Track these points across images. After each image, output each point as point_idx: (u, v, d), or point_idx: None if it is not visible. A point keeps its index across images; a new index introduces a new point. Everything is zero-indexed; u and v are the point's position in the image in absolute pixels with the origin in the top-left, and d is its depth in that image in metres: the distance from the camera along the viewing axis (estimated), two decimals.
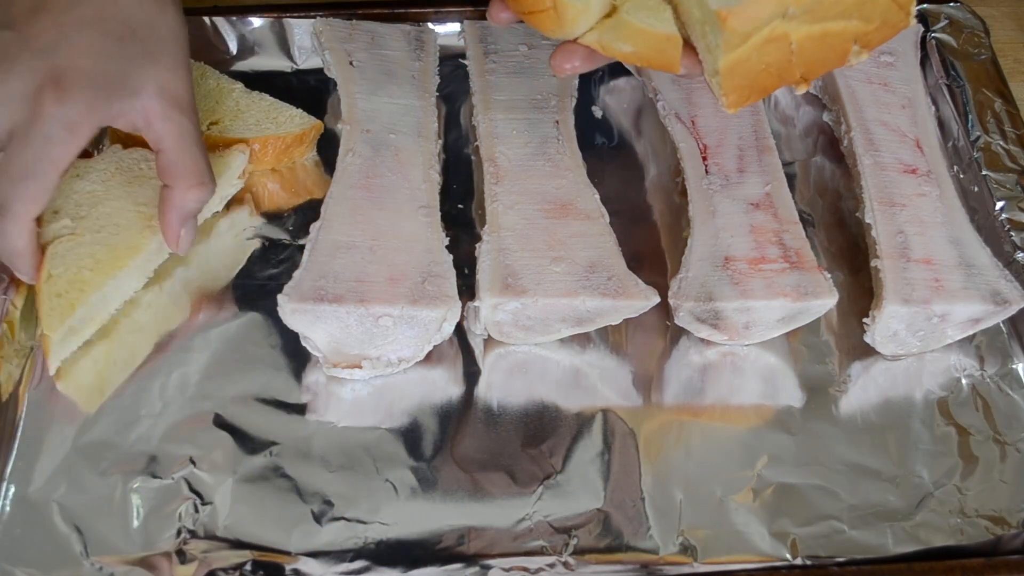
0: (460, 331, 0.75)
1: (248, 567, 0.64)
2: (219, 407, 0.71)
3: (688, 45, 0.63)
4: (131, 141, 0.82)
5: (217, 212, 0.81)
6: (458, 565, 0.65)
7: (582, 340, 0.76)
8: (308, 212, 0.82)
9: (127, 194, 0.77)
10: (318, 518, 0.67)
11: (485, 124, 0.83)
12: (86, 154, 0.77)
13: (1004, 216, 0.81)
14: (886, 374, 0.76)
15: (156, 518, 0.66)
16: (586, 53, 0.65)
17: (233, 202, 0.82)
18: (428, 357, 0.74)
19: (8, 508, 0.66)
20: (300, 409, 0.72)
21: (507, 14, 0.66)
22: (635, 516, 0.67)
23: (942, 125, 0.89)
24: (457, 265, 0.74)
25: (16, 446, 0.69)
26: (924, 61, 0.92)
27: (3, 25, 0.66)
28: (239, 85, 0.87)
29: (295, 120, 0.85)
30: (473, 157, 0.87)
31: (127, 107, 0.67)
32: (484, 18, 0.92)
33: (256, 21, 0.93)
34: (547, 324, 0.74)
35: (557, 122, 0.84)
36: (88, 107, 0.65)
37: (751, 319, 0.74)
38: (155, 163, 0.70)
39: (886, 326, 0.73)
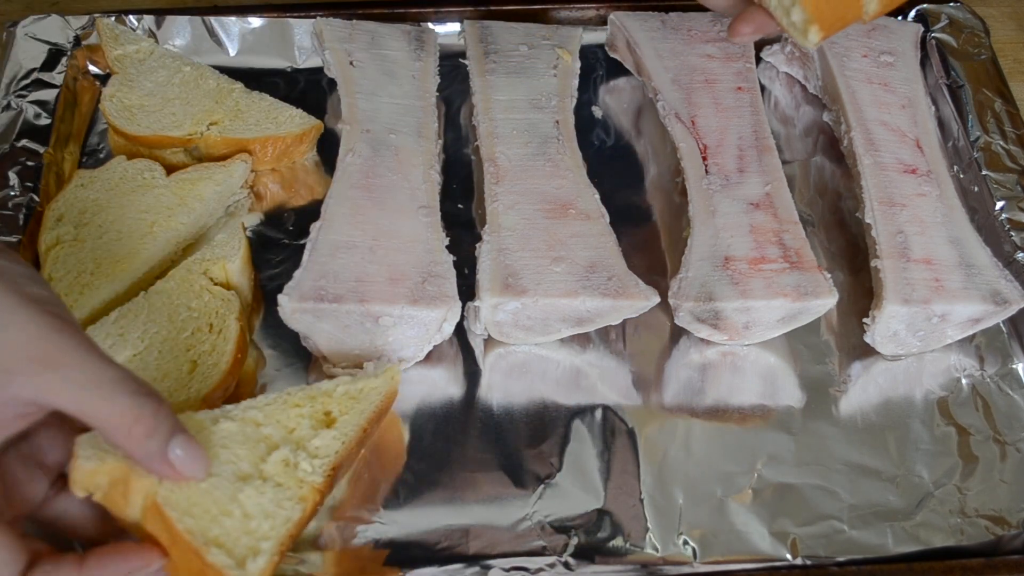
0: (460, 331, 0.75)
1: None
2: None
3: (760, 8, 0.66)
4: (135, 152, 0.82)
5: (220, 217, 0.81)
6: (458, 565, 0.65)
7: (582, 340, 0.76)
8: (308, 212, 0.82)
9: (130, 202, 0.77)
10: (318, 518, 0.67)
11: (485, 124, 0.83)
12: None
13: (1004, 216, 0.81)
14: (886, 374, 0.76)
15: None
16: (763, 19, 0.67)
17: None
18: (428, 357, 0.74)
19: None
20: None
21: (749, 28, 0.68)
22: (635, 516, 0.67)
23: (942, 125, 0.89)
24: (457, 265, 0.74)
25: None
26: (924, 61, 0.92)
27: None
28: (239, 85, 0.87)
29: (295, 120, 0.85)
30: (473, 157, 0.87)
31: (34, 397, 0.51)
32: (484, 18, 0.92)
33: (256, 21, 0.93)
34: (547, 324, 0.74)
35: (557, 122, 0.84)
36: None
37: (751, 319, 0.74)
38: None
39: (886, 326, 0.73)
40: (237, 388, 0.71)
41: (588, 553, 0.66)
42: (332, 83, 0.88)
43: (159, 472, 0.55)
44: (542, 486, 0.69)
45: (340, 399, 0.65)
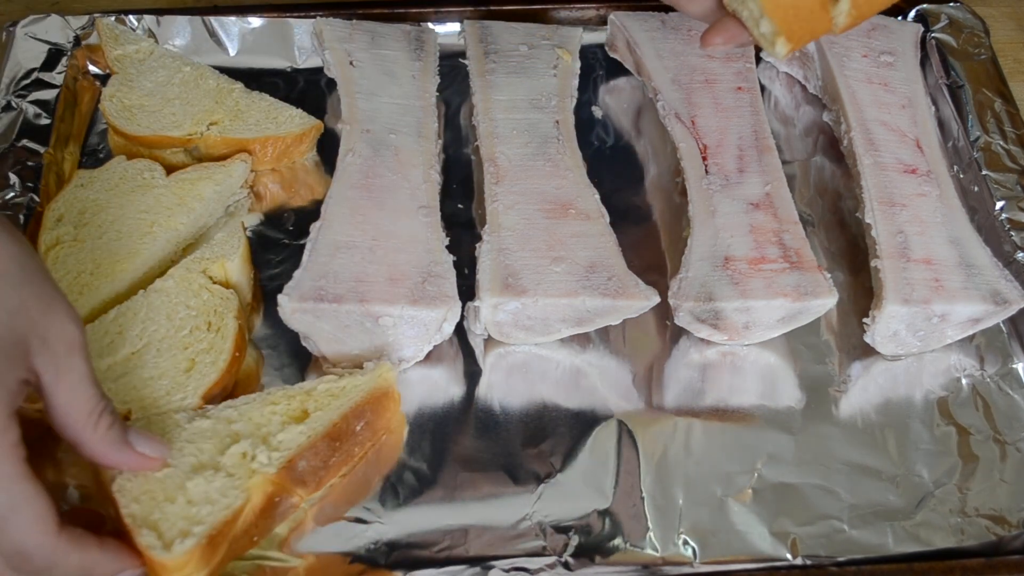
0: (460, 331, 0.75)
1: (249, 568, 0.64)
2: None
3: (734, 18, 0.66)
4: (135, 152, 0.82)
5: (220, 217, 0.81)
6: (458, 565, 0.65)
7: (582, 340, 0.76)
8: (308, 212, 0.82)
9: (129, 202, 0.78)
10: (318, 519, 0.67)
11: (485, 124, 0.83)
12: None
13: (1004, 216, 0.81)
14: (886, 374, 0.76)
15: None
16: (736, 29, 0.67)
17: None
18: (428, 357, 0.74)
19: None
20: None
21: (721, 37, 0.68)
22: (635, 516, 0.67)
23: (942, 125, 0.89)
24: (457, 265, 0.74)
25: None
26: (924, 61, 0.92)
27: None
28: (239, 85, 0.87)
29: (295, 120, 0.85)
30: (473, 157, 0.87)
31: (26, 366, 0.55)
32: (484, 18, 0.92)
33: (256, 21, 0.93)
34: (547, 324, 0.74)
35: (557, 122, 0.84)
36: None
37: (751, 319, 0.74)
38: (50, 419, 0.57)
39: (886, 326, 0.73)
40: (236, 388, 0.71)
41: (588, 553, 0.66)
42: (332, 83, 0.88)
43: (119, 461, 0.59)
44: (542, 486, 0.69)
45: (319, 396, 0.66)
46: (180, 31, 0.92)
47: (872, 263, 0.76)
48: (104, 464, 0.60)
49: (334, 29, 0.89)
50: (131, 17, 0.91)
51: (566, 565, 0.65)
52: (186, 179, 0.80)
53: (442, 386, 0.74)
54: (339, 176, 0.78)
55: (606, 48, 0.95)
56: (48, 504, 0.55)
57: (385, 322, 0.70)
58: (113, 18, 0.91)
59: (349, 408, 0.66)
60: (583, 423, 0.72)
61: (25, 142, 0.82)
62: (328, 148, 0.85)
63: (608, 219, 0.77)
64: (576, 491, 0.68)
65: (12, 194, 0.78)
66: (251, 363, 0.73)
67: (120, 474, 0.60)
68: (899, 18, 0.95)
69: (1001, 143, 0.85)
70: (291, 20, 0.93)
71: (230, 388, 0.70)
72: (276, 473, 0.62)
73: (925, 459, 0.71)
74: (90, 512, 0.65)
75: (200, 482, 0.61)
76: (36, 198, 0.79)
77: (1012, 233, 0.79)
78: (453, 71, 0.91)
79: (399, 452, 0.70)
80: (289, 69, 0.93)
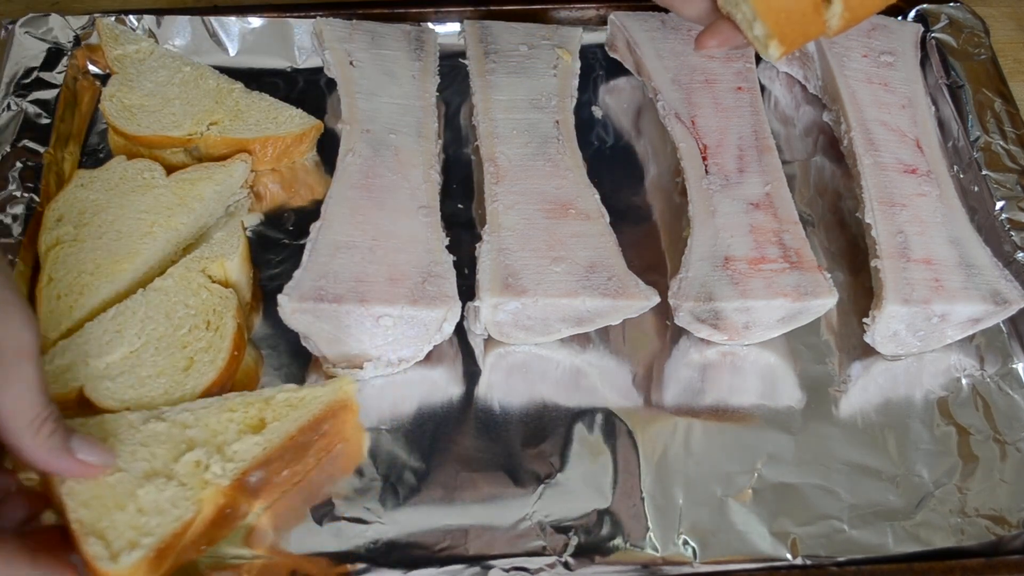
0: (460, 331, 0.75)
1: (249, 568, 0.64)
2: None
3: (728, 21, 0.66)
4: (135, 152, 0.82)
5: (220, 217, 0.81)
6: (458, 565, 0.65)
7: (582, 340, 0.76)
8: (308, 212, 0.82)
9: (129, 203, 0.78)
10: (318, 518, 0.67)
11: (485, 124, 0.83)
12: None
13: (1004, 216, 0.81)
14: (886, 374, 0.76)
15: None
16: (731, 32, 0.67)
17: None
18: (428, 357, 0.74)
19: None
20: None
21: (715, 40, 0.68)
22: (635, 516, 0.67)
23: (942, 125, 0.89)
24: (457, 265, 0.74)
25: None
26: (924, 61, 0.92)
27: None
28: (239, 85, 0.87)
29: (295, 120, 0.85)
30: (473, 157, 0.87)
31: None
32: (484, 18, 0.92)
33: (256, 21, 0.93)
34: (547, 324, 0.74)
35: (557, 122, 0.84)
36: None
37: (751, 319, 0.74)
38: None
39: (886, 326, 0.73)
40: (235, 388, 0.71)
41: (588, 553, 0.66)
42: (332, 83, 0.88)
43: (60, 468, 0.58)
44: (542, 486, 0.69)
45: (278, 406, 0.65)
46: (180, 31, 0.92)
47: (872, 263, 0.76)
48: (45, 471, 0.59)
49: (334, 29, 0.89)
50: (131, 17, 0.91)
51: (566, 565, 0.65)
52: (186, 179, 0.80)
53: (442, 386, 0.74)
54: (339, 176, 0.78)
55: (606, 48, 0.95)
56: None
57: (385, 322, 0.70)
58: (113, 18, 0.91)
59: (307, 420, 0.65)
60: (583, 423, 0.72)
61: (25, 142, 0.82)
62: (328, 148, 0.85)
63: (608, 219, 0.77)
64: (576, 491, 0.68)
65: (12, 194, 0.78)
66: (250, 363, 0.73)
67: (67, 479, 0.59)
68: (899, 18, 0.95)
69: (1001, 143, 0.85)
70: (291, 20, 0.93)
71: (228, 387, 0.70)
72: (229, 485, 0.61)
73: (925, 459, 0.71)
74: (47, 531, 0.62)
75: (151, 490, 0.60)
76: (36, 198, 0.79)
77: (1012, 233, 0.79)
78: (453, 71, 0.91)
79: (358, 461, 0.69)
80: (289, 69, 0.93)
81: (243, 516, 0.65)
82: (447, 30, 0.94)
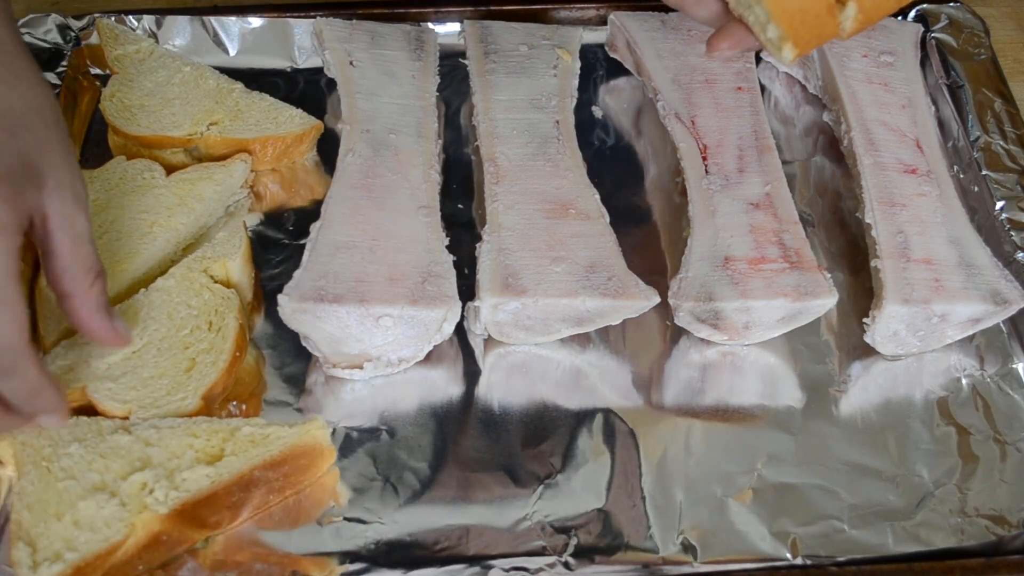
0: (460, 331, 0.75)
1: (249, 568, 0.64)
2: None
3: (740, 23, 0.66)
4: (135, 152, 0.82)
5: (220, 217, 0.81)
6: (458, 565, 0.65)
7: (582, 340, 0.76)
8: (308, 212, 0.82)
9: (130, 202, 0.78)
10: (318, 519, 0.66)
11: (485, 124, 0.83)
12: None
13: (1004, 216, 0.81)
14: (886, 374, 0.76)
15: None
16: (743, 34, 0.67)
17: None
18: (428, 357, 0.74)
19: None
20: (300, 409, 0.72)
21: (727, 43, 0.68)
22: (635, 516, 0.67)
23: (942, 125, 0.89)
24: (457, 265, 0.74)
25: None
26: (924, 61, 0.92)
27: None
28: (239, 85, 0.87)
29: (295, 120, 0.85)
30: (473, 157, 0.87)
31: (37, 201, 0.58)
32: (484, 18, 0.92)
33: (256, 21, 0.93)
34: (547, 324, 0.74)
35: (557, 122, 0.84)
36: (7, 203, 0.56)
37: (751, 319, 0.74)
38: (46, 271, 0.60)
39: (886, 326, 0.73)
40: (237, 387, 0.71)
41: (588, 553, 0.66)
42: (332, 83, 0.88)
43: (100, 327, 0.61)
44: (542, 486, 0.69)
45: (240, 439, 0.64)
46: (180, 31, 0.92)
47: (872, 263, 0.76)
48: (85, 327, 0.61)
49: (334, 29, 0.89)
50: (131, 17, 0.91)
51: (566, 565, 0.65)
52: (186, 179, 0.80)
53: (442, 386, 0.74)
54: (339, 176, 0.78)
55: (606, 48, 0.95)
56: (27, 312, 0.56)
57: (385, 322, 0.70)
58: (113, 18, 0.91)
59: (263, 460, 0.64)
60: (583, 423, 0.72)
61: None
62: (328, 148, 0.85)
63: (608, 219, 0.77)
64: (576, 491, 0.68)
65: None
66: (252, 363, 0.73)
67: (20, 479, 0.60)
68: (899, 18, 0.95)
69: (1001, 143, 0.85)
70: (291, 20, 0.93)
71: (230, 388, 0.70)
72: (167, 513, 0.60)
73: (925, 459, 0.71)
74: None
75: (92, 504, 0.60)
76: None
77: (1012, 233, 0.79)
78: (453, 71, 0.91)
79: (320, 510, 0.67)
80: (289, 69, 0.93)
81: (185, 543, 0.63)
82: (447, 30, 0.94)
